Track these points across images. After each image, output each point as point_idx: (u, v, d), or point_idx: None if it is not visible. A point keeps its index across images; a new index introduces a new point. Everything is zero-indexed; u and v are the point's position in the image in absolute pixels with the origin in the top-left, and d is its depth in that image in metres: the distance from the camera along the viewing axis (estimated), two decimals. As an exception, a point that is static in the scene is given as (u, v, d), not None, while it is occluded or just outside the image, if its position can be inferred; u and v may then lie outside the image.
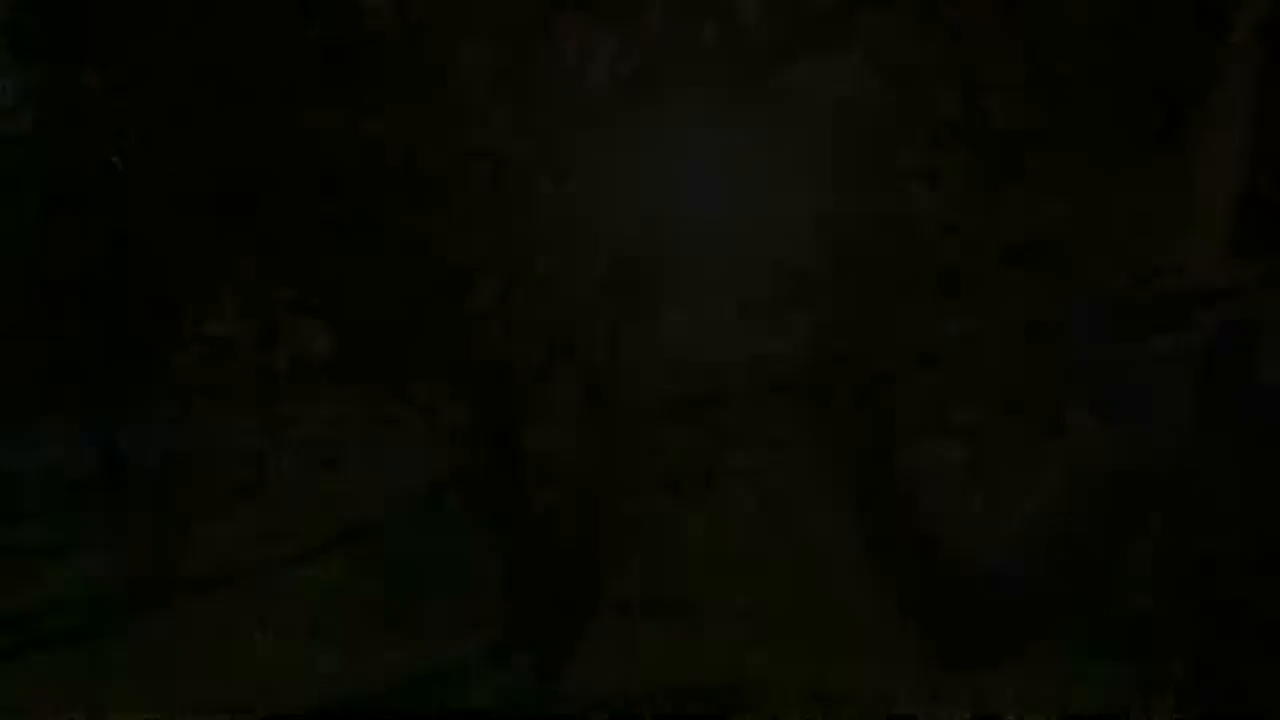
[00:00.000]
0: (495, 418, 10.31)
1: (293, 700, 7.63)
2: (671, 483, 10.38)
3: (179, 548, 12.15)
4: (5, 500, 10.82)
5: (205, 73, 8.97)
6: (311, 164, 9.22)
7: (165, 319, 11.65)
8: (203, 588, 11.57)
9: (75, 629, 9.41)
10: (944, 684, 7.44)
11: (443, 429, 10.55)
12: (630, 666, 7.33)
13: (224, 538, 11.22)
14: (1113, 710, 6.95)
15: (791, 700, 7.40)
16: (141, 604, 10.93)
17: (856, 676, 7.40)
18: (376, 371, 9.47)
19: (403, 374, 9.57)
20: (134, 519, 12.75)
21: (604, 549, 10.05)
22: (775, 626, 9.31)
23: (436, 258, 8.92)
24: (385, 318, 8.73)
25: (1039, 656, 7.69)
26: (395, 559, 9.14)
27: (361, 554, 11.09)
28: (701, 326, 11.19)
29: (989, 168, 11.89)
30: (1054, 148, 11.75)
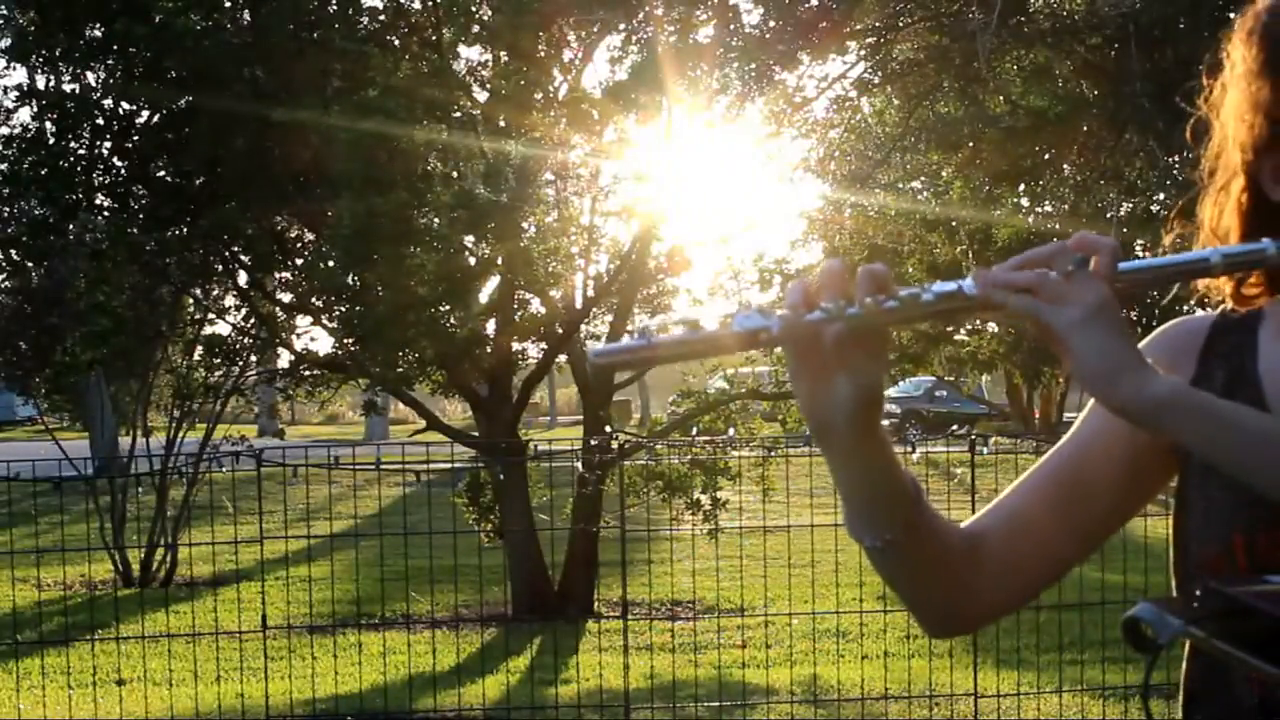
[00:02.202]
0: (496, 417, 10.30)
1: (293, 700, 7.62)
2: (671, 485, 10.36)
3: (178, 548, 12.15)
4: (6, 501, 10.81)
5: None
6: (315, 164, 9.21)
7: (166, 320, 11.64)
8: (202, 588, 11.58)
9: (75, 629, 9.41)
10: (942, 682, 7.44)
11: (444, 428, 10.55)
12: (630, 666, 7.31)
13: (223, 538, 11.21)
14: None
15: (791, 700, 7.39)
16: (141, 603, 10.93)
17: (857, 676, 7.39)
18: (377, 371, 9.46)
19: (403, 374, 9.56)
20: (133, 519, 12.74)
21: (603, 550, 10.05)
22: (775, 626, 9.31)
23: (440, 258, 8.91)
24: (386, 318, 8.72)
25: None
26: (395, 557, 9.13)
27: (362, 553, 11.08)
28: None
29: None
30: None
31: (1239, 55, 1.36)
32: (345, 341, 9.75)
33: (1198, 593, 1.13)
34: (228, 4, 9.63)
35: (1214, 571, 1.30)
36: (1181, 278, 1.30)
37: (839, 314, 1.22)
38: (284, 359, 11.47)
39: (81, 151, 9.63)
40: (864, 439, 1.29)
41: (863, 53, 12.15)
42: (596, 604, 10.30)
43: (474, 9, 9.49)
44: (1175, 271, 1.28)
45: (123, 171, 9.86)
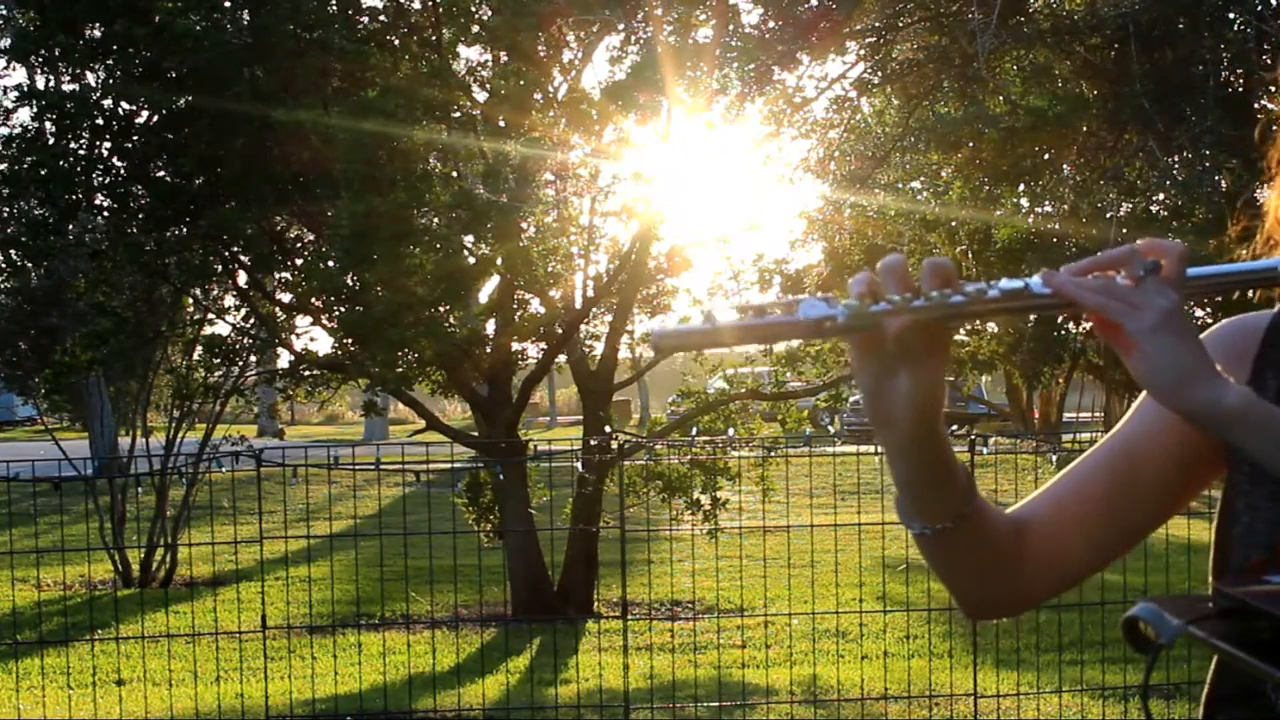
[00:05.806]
0: (496, 417, 10.30)
1: (293, 700, 7.62)
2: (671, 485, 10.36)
3: (178, 548, 12.14)
4: (6, 501, 10.81)
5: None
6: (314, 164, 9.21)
7: (166, 320, 11.64)
8: (202, 588, 11.57)
9: (75, 629, 9.41)
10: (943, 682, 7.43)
11: (444, 428, 10.55)
12: (630, 666, 7.31)
13: (222, 538, 11.21)
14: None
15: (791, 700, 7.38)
16: (141, 603, 10.92)
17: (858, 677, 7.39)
18: (377, 371, 9.46)
19: (403, 374, 9.56)
20: (133, 519, 12.73)
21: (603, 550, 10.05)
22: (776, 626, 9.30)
23: (440, 258, 8.90)
24: (386, 318, 8.72)
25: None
26: (395, 557, 9.13)
27: (362, 553, 11.08)
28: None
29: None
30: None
31: None
32: (345, 341, 9.75)
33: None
34: (228, 4, 9.62)
35: (1256, 574, 1.30)
36: (1248, 285, 1.29)
37: (904, 306, 1.21)
38: (284, 359, 11.47)
39: (81, 151, 9.62)
40: (924, 432, 1.30)
41: (862, 53, 12.16)
42: (596, 604, 10.30)
43: (474, 9, 9.49)
44: (1242, 279, 1.28)
45: (122, 171, 9.85)
